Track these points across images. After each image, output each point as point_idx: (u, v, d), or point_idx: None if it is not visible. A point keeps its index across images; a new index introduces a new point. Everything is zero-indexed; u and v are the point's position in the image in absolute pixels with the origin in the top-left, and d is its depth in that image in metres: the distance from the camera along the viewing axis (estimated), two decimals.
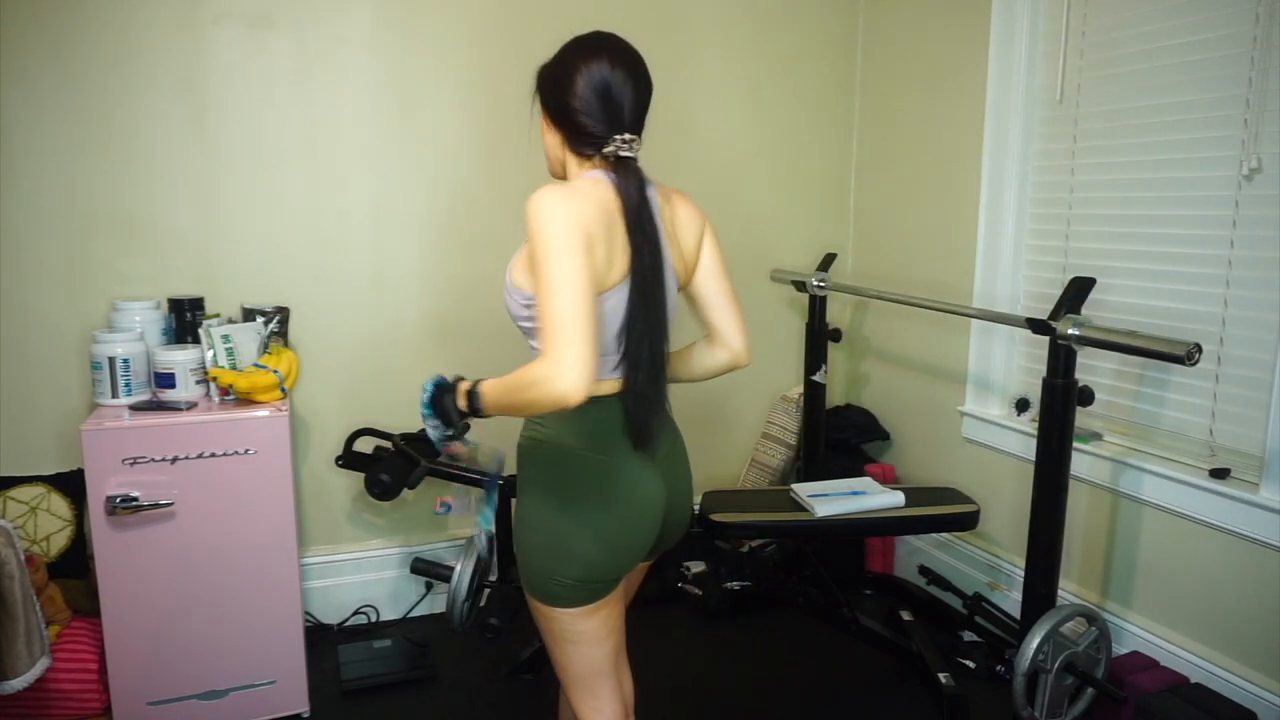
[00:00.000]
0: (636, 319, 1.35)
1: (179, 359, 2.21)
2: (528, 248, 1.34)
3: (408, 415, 2.76)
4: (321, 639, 2.66)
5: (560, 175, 1.49)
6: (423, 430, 2.69)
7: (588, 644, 1.42)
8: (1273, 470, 1.95)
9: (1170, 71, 2.15)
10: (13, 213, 2.33)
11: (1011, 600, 2.62)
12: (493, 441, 1.81)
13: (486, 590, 2.41)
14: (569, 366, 1.20)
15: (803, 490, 2.43)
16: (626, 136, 1.38)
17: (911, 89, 2.93)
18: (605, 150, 1.39)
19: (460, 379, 1.45)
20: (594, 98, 1.38)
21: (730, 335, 1.53)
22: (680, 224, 1.48)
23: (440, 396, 1.44)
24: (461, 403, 1.41)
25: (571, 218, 1.27)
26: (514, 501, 1.48)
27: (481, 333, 2.78)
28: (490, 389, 1.36)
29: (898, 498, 2.39)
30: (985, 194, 2.64)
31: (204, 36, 2.42)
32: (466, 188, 2.71)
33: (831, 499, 2.37)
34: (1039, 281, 2.55)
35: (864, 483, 2.50)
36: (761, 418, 3.24)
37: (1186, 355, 1.74)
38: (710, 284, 1.50)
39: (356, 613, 2.77)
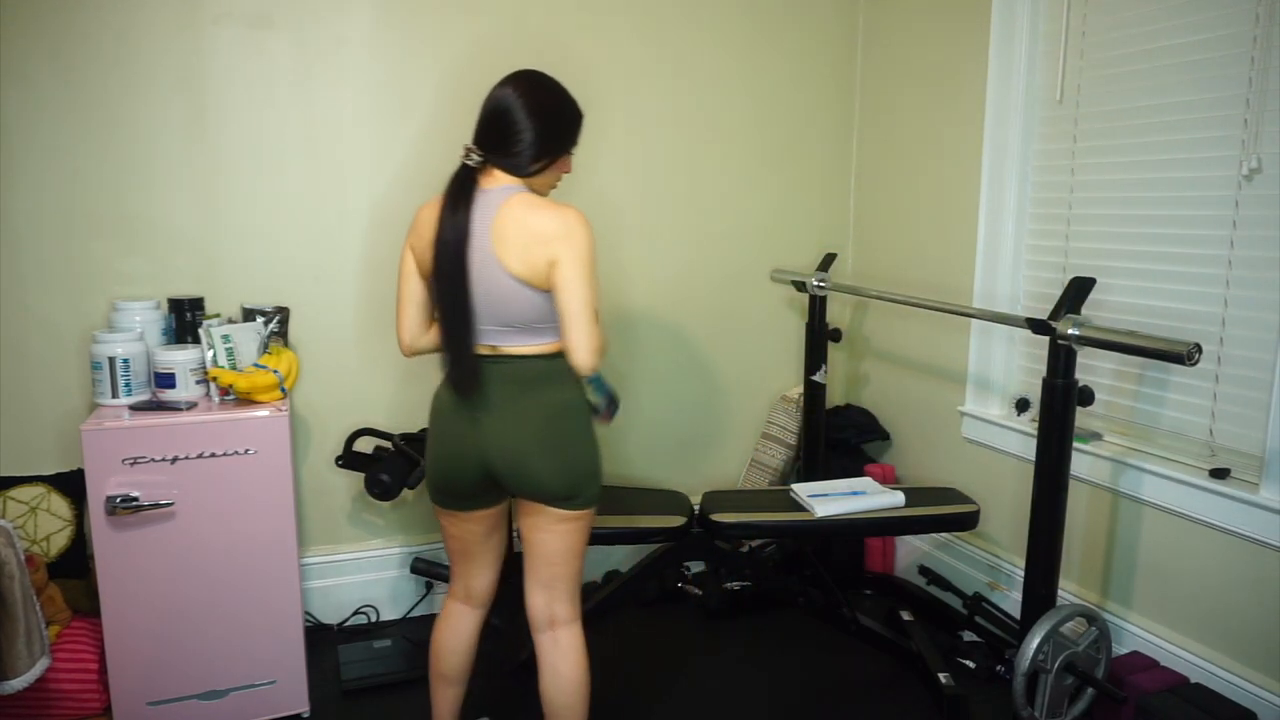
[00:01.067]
0: (441, 298, 1.68)
1: (179, 359, 2.21)
2: None
3: (408, 415, 2.76)
4: (321, 639, 2.66)
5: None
6: (423, 430, 2.72)
7: (445, 534, 1.90)
8: (1273, 470, 1.95)
9: (1170, 71, 2.15)
10: (13, 213, 2.33)
11: (1011, 600, 2.63)
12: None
13: None
14: (398, 331, 1.82)
15: (803, 490, 2.43)
16: (466, 146, 1.70)
17: (911, 89, 2.93)
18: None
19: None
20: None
21: (571, 348, 1.69)
22: (529, 232, 1.65)
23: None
24: None
25: (412, 226, 1.75)
26: None
27: None
28: None
29: (898, 498, 2.39)
30: (985, 194, 2.64)
31: (204, 36, 2.42)
32: None
33: (831, 499, 2.37)
34: (1039, 281, 2.55)
35: (864, 483, 2.50)
36: (761, 418, 3.24)
37: (1186, 355, 1.74)
38: (559, 299, 1.67)
39: (356, 613, 2.77)
